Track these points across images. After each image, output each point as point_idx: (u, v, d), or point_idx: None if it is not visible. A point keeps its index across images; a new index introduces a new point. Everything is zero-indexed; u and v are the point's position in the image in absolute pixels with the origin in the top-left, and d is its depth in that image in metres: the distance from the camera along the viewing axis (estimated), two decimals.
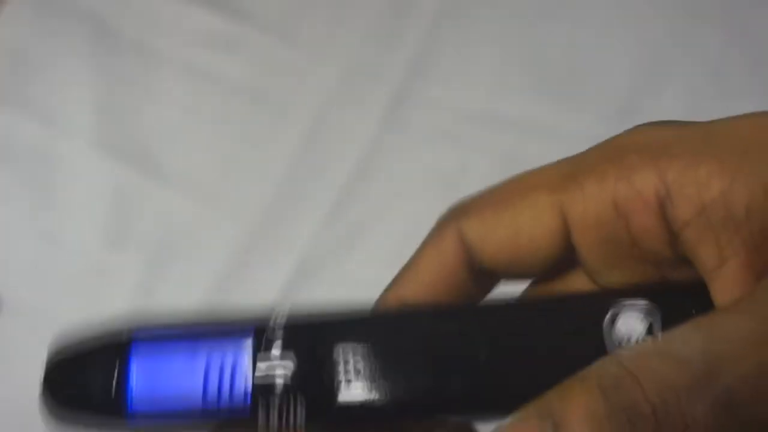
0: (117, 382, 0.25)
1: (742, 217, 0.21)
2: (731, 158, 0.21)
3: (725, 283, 0.22)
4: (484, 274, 0.25)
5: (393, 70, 0.64)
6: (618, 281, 0.25)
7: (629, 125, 0.67)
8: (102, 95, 0.63)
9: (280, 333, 0.25)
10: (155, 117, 0.63)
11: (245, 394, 0.25)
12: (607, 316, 0.24)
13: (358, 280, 0.58)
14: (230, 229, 0.59)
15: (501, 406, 0.23)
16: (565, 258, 0.24)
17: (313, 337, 0.25)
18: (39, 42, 0.65)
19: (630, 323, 0.23)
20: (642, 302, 0.24)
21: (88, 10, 0.65)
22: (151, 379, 0.25)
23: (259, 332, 0.25)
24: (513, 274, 0.25)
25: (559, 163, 0.24)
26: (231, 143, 0.62)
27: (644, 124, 0.24)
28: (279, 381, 0.25)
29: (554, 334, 0.24)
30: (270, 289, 0.57)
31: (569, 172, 0.24)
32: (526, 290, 0.27)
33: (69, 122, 0.62)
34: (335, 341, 0.25)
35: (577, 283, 0.25)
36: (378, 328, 0.26)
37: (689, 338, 0.19)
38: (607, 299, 0.24)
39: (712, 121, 0.23)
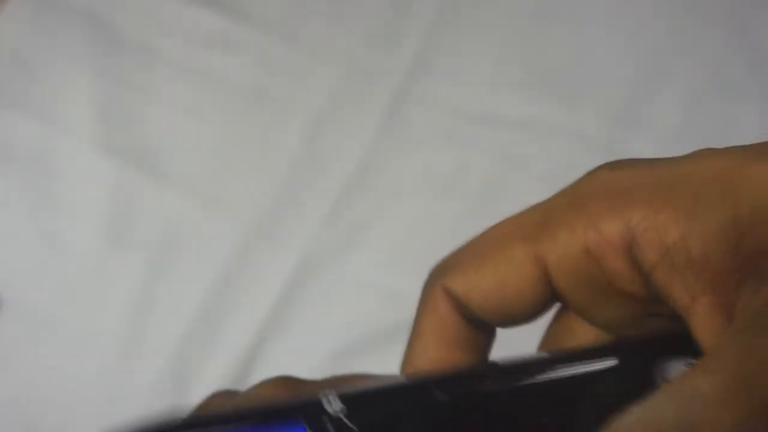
0: None
1: (702, 260, 0.22)
2: (684, 205, 0.23)
3: (701, 321, 0.23)
4: (479, 321, 0.26)
5: (393, 70, 0.64)
6: (606, 317, 0.25)
7: (629, 125, 0.66)
8: (102, 95, 0.63)
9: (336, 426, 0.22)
10: (155, 117, 0.63)
11: None
12: (655, 371, 0.24)
13: (358, 280, 0.58)
14: (230, 229, 0.59)
15: None
16: (555, 298, 0.25)
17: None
18: (39, 41, 0.65)
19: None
20: (682, 356, 0.24)
21: (88, 10, 0.65)
22: None
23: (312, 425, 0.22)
24: (504, 321, 0.26)
25: (529, 211, 0.25)
26: (231, 143, 0.62)
27: (605, 166, 0.25)
28: None
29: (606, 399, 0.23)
30: (270, 289, 0.57)
31: (540, 221, 0.25)
32: (540, 346, 0.27)
33: (69, 122, 0.62)
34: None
35: (578, 324, 0.26)
36: (447, 417, 0.23)
37: (664, 405, 0.19)
38: (650, 354, 0.24)
39: (670, 163, 0.24)
